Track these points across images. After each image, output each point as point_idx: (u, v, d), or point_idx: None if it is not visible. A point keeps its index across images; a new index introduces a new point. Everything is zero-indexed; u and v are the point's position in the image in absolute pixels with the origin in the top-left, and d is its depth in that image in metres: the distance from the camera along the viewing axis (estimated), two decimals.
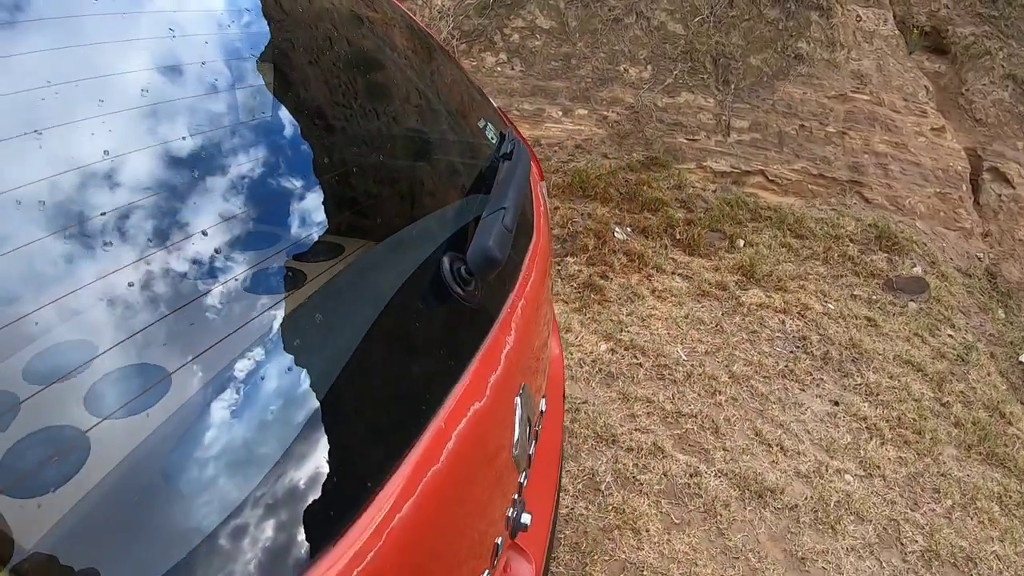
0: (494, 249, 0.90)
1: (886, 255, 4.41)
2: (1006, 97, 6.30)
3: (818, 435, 2.91)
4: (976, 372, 3.66)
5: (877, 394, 3.25)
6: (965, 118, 6.24)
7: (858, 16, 6.26)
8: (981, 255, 5.14)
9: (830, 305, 3.84)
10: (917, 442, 3.03)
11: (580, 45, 5.67)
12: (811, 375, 3.25)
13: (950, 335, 3.94)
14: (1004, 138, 6.06)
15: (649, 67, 5.55)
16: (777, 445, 2.76)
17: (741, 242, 4.23)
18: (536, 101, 5.31)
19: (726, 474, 2.61)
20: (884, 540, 2.54)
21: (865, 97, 5.64)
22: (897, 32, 6.34)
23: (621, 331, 3.34)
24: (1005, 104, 6.26)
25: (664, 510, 2.43)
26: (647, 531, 2.33)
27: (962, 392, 3.47)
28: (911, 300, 4.13)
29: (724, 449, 2.68)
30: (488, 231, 0.94)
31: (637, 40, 5.69)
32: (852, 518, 2.56)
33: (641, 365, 3.13)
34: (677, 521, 2.41)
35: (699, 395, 2.94)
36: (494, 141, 1.53)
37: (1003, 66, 6.39)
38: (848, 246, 4.38)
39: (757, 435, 2.80)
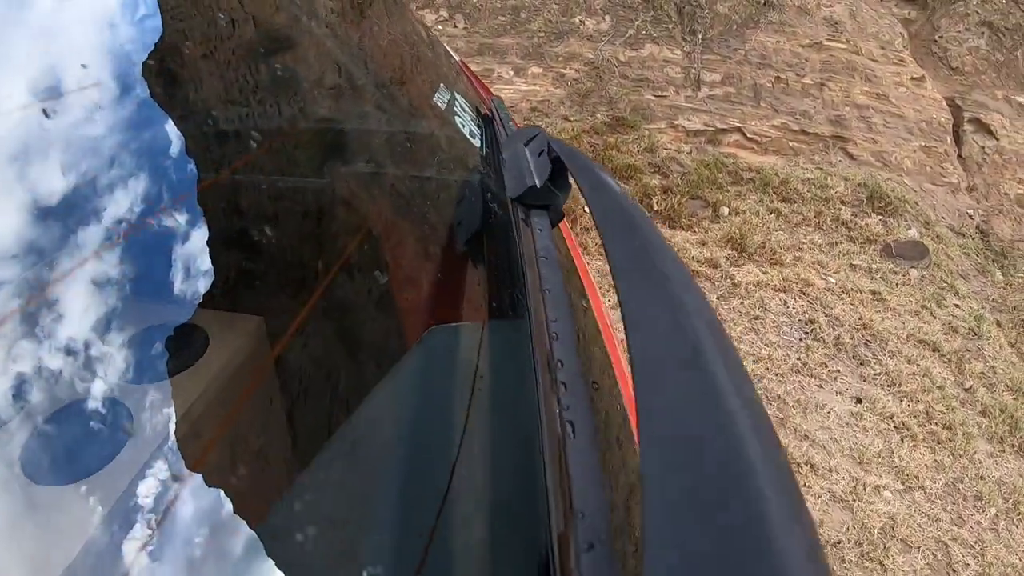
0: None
1: (880, 217, 3.98)
2: (982, 45, 5.93)
3: (847, 443, 2.48)
4: (990, 347, 3.31)
5: (899, 384, 2.84)
6: (940, 67, 5.86)
7: None
8: (971, 212, 4.77)
9: (831, 278, 3.39)
10: (950, 440, 2.65)
11: None
12: (826, 367, 2.81)
13: (956, 305, 3.56)
14: (983, 87, 5.70)
15: (607, 17, 5.00)
16: (806, 463, 2.33)
17: (726, 210, 3.74)
18: (484, 61, 4.72)
19: None
20: (936, 569, 2.14)
21: (841, 45, 5.20)
22: None
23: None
24: (981, 52, 5.89)
25: None
26: None
27: (982, 373, 3.13)
28: (912, 267, 3.72)
29: None
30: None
31: None
32: (899, 546, 2.16)
33: None
34: None
35: None
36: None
37: (978, 12, 6.02)
38: (840, 209, 3.94)
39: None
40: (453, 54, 1.94)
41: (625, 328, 0.41)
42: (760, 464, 0.28)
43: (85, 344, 0.51)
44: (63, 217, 0.55)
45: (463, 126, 1.30)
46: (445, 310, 0.83)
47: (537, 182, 0.87)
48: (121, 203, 0.60)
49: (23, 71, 0.60)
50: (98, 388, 0.51)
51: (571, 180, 0.86)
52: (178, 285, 0.61)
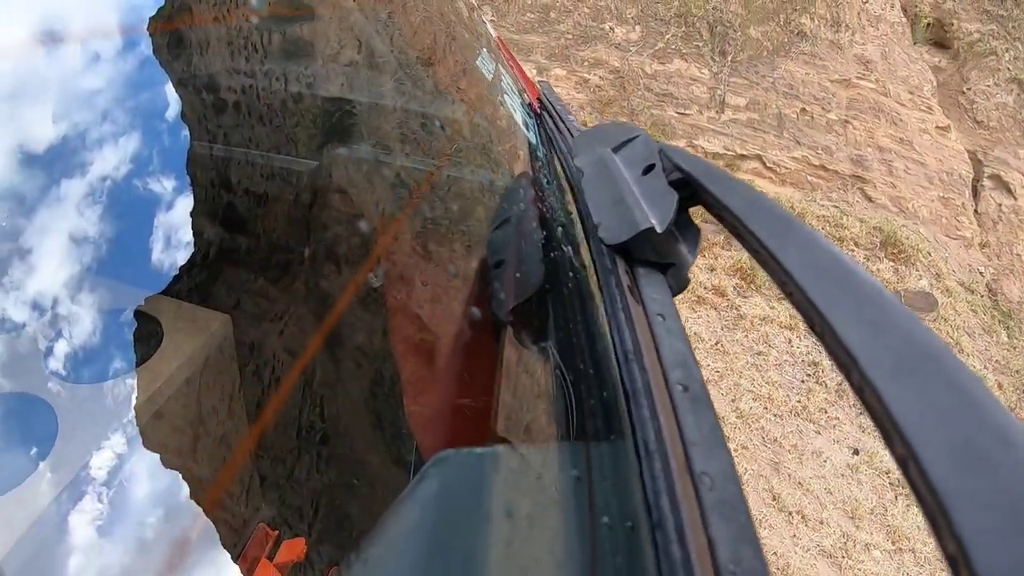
0: None
1: (892, 264, 3.90)
2: (1010, 102, 5.85)
3: (840, 495, 2.40)
4: None
5: None
6: (965, 118, 5.78)
7: None
8: (982, 269, 4.69)
9: None
10: None
11: None
12: (826, 412, 2.73)
13: None
14: (1006, 144, 5.62)
15: (638, 28, 4.90)
16: (798, 513, 2.25)
17: None
18: None
19: None
20: None
21: (870, 85, 5.12)
22: (903, 19, 5.83)
23: None
24: (1009, 109, 5.81)
25: None
26: None
27: None
28: (919, 318, 3.64)
29: None
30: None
31: None
32: None
33: None
34: None
35: None
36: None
37: (1008, 69, 5.94)
38: (853, 250, 3.86)
39: (775, 500, 2.28)
40: (491, 29, 1.58)
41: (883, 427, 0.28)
42: None
43: (51, 312, 0.48)
44: (47, 166, 0.52)
45: (513, 110, 0.97)
46: (464, 421, 0.57)
47: (657, 224, 0.49)
48: (107, 161, 0.56)
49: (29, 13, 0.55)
50: (33, 380, 0.46)
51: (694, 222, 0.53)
52: (155, 262, 0.56)
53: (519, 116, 0.97)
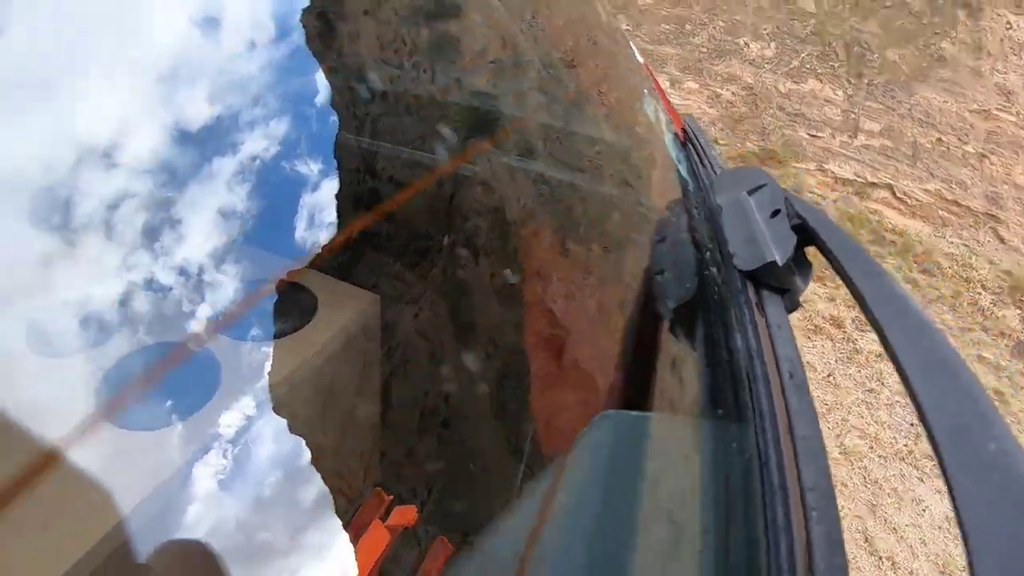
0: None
1: (1019, 312, 3.78)
2: None
3: (934, 548, 2.38)
4: None
5: None
6: None
7: (1008, 23, 5.45)
8: None
9: None
10: None
11: (697, 9, 5.01)
12: (932, 460, 2.71)
13: None
14: None
15: (773, 44, 4.87)
16: (888, 559, 2.26)
17: None
18: None
19: None
20: None
21: (1011, 118, 4.91)
22: None
23: None
24: None
25: None
26: None
27: None
28: None
29: None
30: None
31: (762, 12, 5.00)
32: None
33: None
34: None
35: None
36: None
37: None
38: (980, 294, 3.76)
39: (867, 541, 2.29)
40: (639, 57, 1.71)
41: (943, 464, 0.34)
42: None
43: (197, 278, 0.52)
44: (201, 144, 0.55)
45: (669, 147, 1.07)
46: (625, 387, 0.70)
47: (779, 258, 0.66)
48: (258, 142, 0.60)
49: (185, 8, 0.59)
50: (199, 330, 0.51)
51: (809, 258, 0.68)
52: (299, 239, 0.60)
53: (670, 147, 1.07)
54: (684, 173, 1.03)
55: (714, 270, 0.80)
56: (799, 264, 0.67)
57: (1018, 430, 3.08)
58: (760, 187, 0.80)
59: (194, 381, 0.50)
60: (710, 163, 1.03)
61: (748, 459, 0.53)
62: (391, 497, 0.56)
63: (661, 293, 0.78)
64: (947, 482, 0.33)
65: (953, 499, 0.32)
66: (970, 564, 0.29)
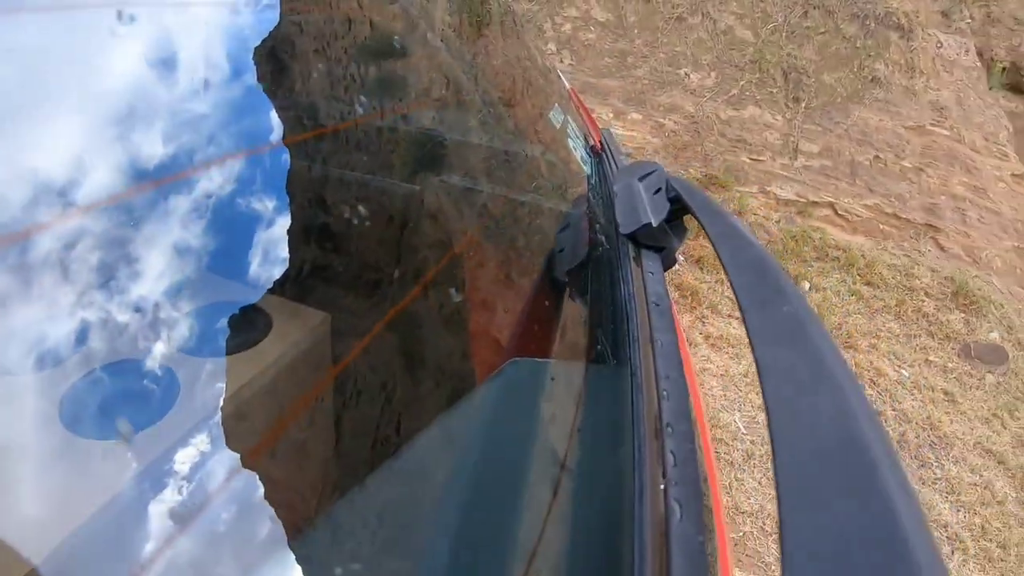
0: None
1: (963, 315, 3.91)
2: None
3: None
4: None
5: (958, 493, 2.79)
6: None
7: (939, 42, 5.71)
8: None
9: (904, 372, 3.35)
10: (1002, 559, 2.59)
11: (638, 43, 5.17)
12: None
13: None
14: None
15: (713, 74, 5.04)
16: None
17: (807, 284, 3.73)
18: (585, 100, 4.79)
19: None
20: None
21: (944, 132, 5.12)
22: (978, 64, 5.80)
23: None
24: None
25: None
26: None
27: None
28: (988, 371, 3.64)
29: None
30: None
31: (701, 43, 5.17)
32: None
33: None
34: None
35: (760, 483, 2.46)
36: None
37: None
38: (923, 300, 3.88)
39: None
40: (564, 80, 1.90)
41: (765, 392, 0.38)
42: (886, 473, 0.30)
43: (153, 304, 0.52)
44: (154, 176, 0.56)
45: (575, 149, 1.26)
46: (531, 343, 0.77)
47: (653, 220, 0.81)
48: (213, 178, 0.61)
49: (136, 42, 0.61)
50: (154, 350, 0.51)
51: (686, 222, 0.84)
52: (254, 266, 0.61)
53: (579, 155, 1.27)
54: (592, 172, 1.24)
55: (603, 238, 0.96)
56: (674, 228, 0.83)
57: (969, 428, 3.17)
58: (650, 173, 0.95)
59: (150, 395, 0.51)
60: (617, 164, 1.22)
61: (622, 379, 0.63)
62: None
63: (559, 265, 0.91)
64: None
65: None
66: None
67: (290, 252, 0.64)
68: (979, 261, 4.52)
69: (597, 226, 1.01)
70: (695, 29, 5.21)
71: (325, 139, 0.78)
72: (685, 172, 4.37)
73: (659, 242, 0.83)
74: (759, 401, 2.85)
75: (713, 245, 0.60)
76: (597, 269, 0.90)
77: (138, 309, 0.51)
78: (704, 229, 0.65)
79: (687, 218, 0.83)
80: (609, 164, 1.26)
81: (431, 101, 0.99)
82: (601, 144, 1.41)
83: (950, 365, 3.55)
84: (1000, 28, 6.31)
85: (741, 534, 2.27)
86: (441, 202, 0.85)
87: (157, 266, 0.54)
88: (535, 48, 1.63)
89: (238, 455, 0.49)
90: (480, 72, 1.16)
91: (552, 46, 5.18)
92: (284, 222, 0.66)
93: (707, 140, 4.61)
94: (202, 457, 0.48)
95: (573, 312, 0.87)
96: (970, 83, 5.63)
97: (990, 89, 5.84)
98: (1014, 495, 2.96)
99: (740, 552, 2.20)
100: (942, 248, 4.51)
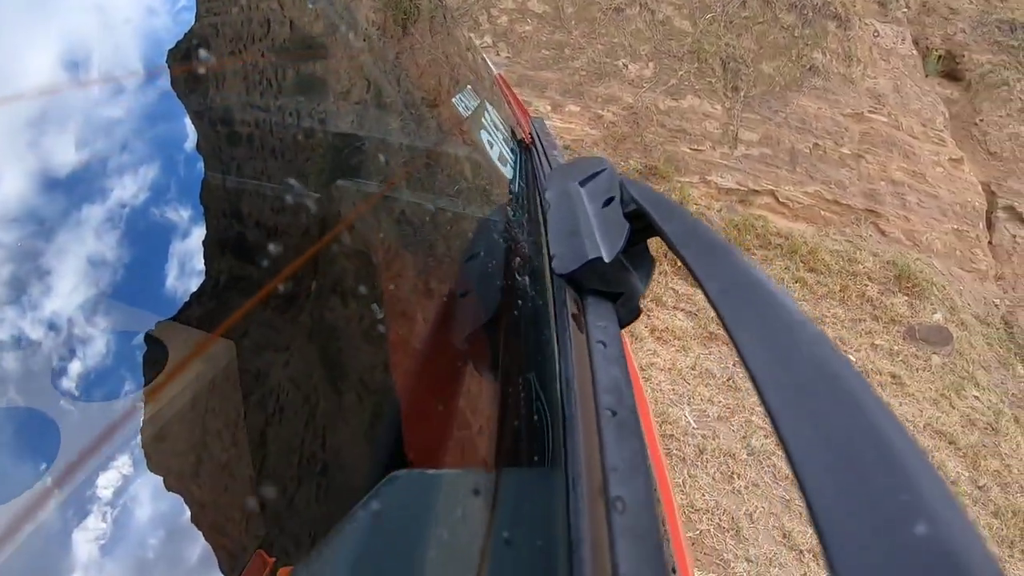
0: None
1: (906, 298, 3.91)
2: (1023, 132, 5.87)
3: None
4: (1007, 444, 3.24)
5: None
6: (979, 150, 5.80)
7: (876, 31, 5.76)
8: (997, 301, 4.68)
9: (851, 357, 3.31)
10: None
11: (576, 34, 5.09)
12: None
13: (976, 396, 3.48)
14: (1020, 175, 5.62)
15: (651, 64, 4.98)
16: (809, 551, 2.25)
17: None
18: (522, 93, 4.70)
19: None
20: None
21: (882, 119, 5.15)
22: (914, 52, 5.87)
23: None
24: (1022, 139, 5.82)
25: None
26: None
27: (997, 471, 3.06)
28: (934, 353, 3.64)
29: (748, 560, 2.13)
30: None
31: (639, 34, 5.12)
32: None
33: None
34: None
35: (714, 479, 2.38)
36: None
37: (1021, 99, 5.95)
38: (866, 285, 3.87)
39: (785, 537, 2.26)
40: (492, 66, 1.66)
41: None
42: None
43: (67, 332, 0.48)
44: (63, 194, 0.52)
45: (490, 145, 1.00)
46: (423, 445, 0.58)
47: (605, 254, 0.50)
48: (126, 188, 0.57)
49: (50, 49, 0.57)
50: (37, 396, 0.46)
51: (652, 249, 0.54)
52: (151, 289, 0.56)
53: (496, 152, 0.98)
54: (516, 175, 0.95)
55: (526, 281, 0.66)
56: (637, 259, 0.53)
57: (918, 410, 3.15)
58: (595, 175, 0.65)
59: (21, 448, 0.45)
60: (550, 163, 0.93)
61: (541, 531, 0.41)
62: (273, 560, 0.49)
63: (461, 318, 0.65)
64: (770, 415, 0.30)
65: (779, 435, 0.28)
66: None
67: (192, 270, 0.58)
68: (920, 244, 4.55)
69: (516, 260, 0.72)
70: (633, 20, 5.15)
71: (235, 144, 0.71)
72: (625, 163, 4.29)
73: (613, 286, 0.52)
74: (708, 394, 2.77)
75: (707, 296, 0.37)
76: (514, 332, 0.63)
77: (48, 332, 0.46)
78: (688, 268, 0.40)
79: (652, 239, 0.53)
80: (540, 162, 0.98)
81: (351, 104, 0.89)
82: (531, 137, 1.14)
83: (896, 348, 3.53)
84: (935, 17, 6.39)
85: (698, 532, 2.18)
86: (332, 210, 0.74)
87: (35, 291, 0.49)
88: (461, 35, 1.47)
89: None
90: (404, 72, 1.05)
91: (488, 39, 5.07)
92: (183, 236, 0.60)
93: (647, 131, 4.54)
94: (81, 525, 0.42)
95: (484, 400, 0.62)
96: (907, 71, 5.69)
97: (926, 76, 5.91)
98: (967, 474, 2.95)
99: (698, 551, 2.11)
100: (883, 233, 4.51)
